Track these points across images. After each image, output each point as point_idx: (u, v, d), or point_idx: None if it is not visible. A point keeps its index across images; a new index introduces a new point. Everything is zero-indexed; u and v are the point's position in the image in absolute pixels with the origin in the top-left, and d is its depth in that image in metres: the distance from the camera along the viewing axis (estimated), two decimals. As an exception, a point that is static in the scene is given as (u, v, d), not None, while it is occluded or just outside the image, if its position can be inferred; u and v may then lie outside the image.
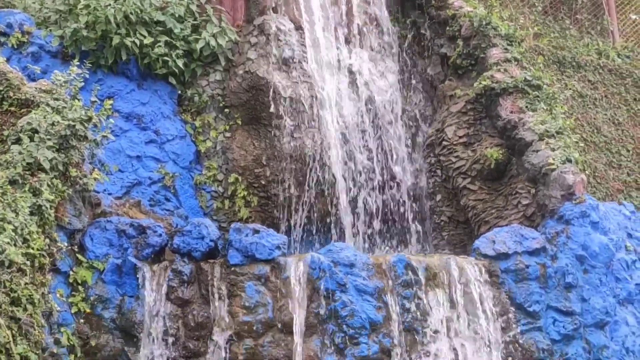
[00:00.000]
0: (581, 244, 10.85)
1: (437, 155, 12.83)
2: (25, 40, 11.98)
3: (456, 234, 12.60)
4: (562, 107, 12.37)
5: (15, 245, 8.66)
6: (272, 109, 12.43)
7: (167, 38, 12.25)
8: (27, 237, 8.90)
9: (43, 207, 9.19)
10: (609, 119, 14.11)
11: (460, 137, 12.61)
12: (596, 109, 14.08)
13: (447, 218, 12.72)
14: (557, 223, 11.00)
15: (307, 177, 12.35)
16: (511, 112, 12.04)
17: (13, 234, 8.68)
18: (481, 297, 10.33)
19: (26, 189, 9.15)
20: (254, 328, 9.74)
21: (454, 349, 10.13)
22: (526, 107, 12.01)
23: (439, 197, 12.81)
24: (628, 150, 13.94)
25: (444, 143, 12.73)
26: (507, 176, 12.05)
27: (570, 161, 11.27)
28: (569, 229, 10.89)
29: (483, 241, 10.80)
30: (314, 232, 12.38)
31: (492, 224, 11.78)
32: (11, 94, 9.99)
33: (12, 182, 9.10)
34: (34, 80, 10.80)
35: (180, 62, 12.33)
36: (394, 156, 12.88)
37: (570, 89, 13.84)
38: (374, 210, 12.54)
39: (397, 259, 10.31)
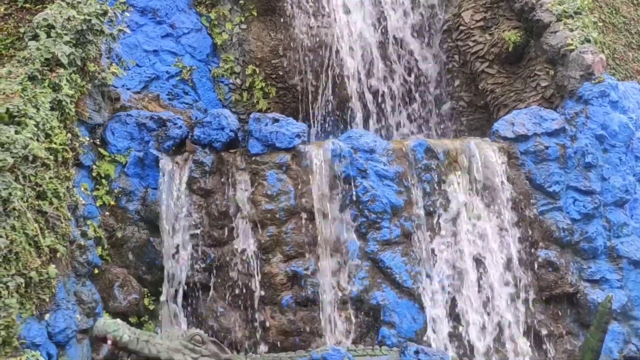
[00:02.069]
0: (600, 124, 10.84)
1: (454, 40, 12.72)
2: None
3: (475, 118, 12.58)
4: (580, -14, 12.19)
5: (38, 140, 8.75)
6: (287, -1, 12.37)
7: None
8: (49, 132, 8.99)
9: (63, 102, 9.24)
10: (628, -1, 13.93)
11: (477, 21, 12.47)
12: (615, -11, 13.87)
13: (466, 103, 12.68)
14: (576, 103, 10.97)
15: (325, 66, 12.30)
16: (528, -7, 11.89)
17: (35, 129, 8.76)
18: (501, 179, 10.38)
19: (46, 84, 9.18)
20: (277, 216, 9.87)
21: (474, 231, 10.23)
22: (543, -13, 11.85)
23: (457, 82, 12.75)
24: (648, 31, 13.79)
25: (461, 28, 12.60)
26: (526, 59, 11.97)
27: (589, 41, 11.18)
28: (588, 109, 10.87)
29: (502, 123, 10.81)
30: (333, 121, 12.40)
31: (511, 107, 11.75)
32: (25, -11, 9.98)
33: (31, 78, 9.13)
34: (47, -25, 10.74)
35: (193, -47, 12.24)
36: (411, 42, 12.77)
37: (588, -32, 13.63)
38: (392, 98, 12.51)
39: (417, 144, 10.36)
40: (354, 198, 9.98)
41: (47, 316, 8.58)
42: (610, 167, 10.81)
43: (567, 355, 10.25)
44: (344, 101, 12.32)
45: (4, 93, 8.82)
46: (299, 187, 9.94)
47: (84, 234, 9.42)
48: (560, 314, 10.45)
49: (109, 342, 7.91)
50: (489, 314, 10.07)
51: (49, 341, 8.56)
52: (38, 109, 8.90)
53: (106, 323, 7.93)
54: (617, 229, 10.70)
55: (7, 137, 8.45)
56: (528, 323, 10.23)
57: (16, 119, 8.72)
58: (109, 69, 10.31)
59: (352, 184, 10.02)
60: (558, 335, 10.37)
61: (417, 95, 12.63)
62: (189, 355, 8.19)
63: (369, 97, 12.29)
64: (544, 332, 10.27)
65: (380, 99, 12.38)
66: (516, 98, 11.88)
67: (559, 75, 11.24)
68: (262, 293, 9.79)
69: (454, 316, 10.00)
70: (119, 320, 8.09)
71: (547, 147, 10.61)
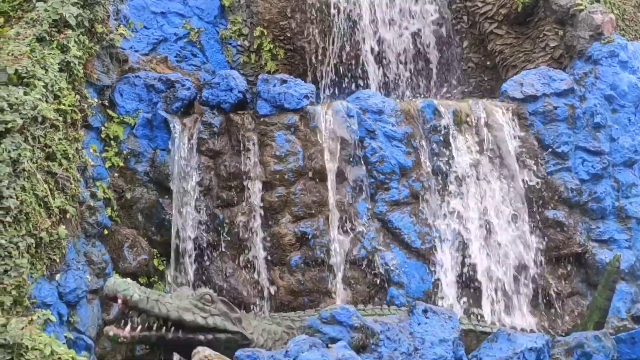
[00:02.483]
0: (610, 84, 10.81)
1: (463, 1, 12.64)
2: None
3: (484, 80, 12.53)
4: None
5: (46, 101, 8.75)
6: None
7: None
8: (58, 93, 8.99)
9: (72, 64, 9.23)
10: (639, -43, 13.80)
11: (486, -18, 12.41)
12: (626, -54, 13.74)
13: (475, 64, 12.63)
14: (585, 64, 10.94)
15: (333, 27, 12.24)
16: (537, -49, 11.81)
17: (44, 90, 8.76)
18: (509, 140, 10.37)
19: (54, 45, 9.17)
20: (285, 177, 9.89)
21: (482, 191, 10.24)
22: (552, -55, 11.76)
23: (465, 43, 12.68)
24: (658, -10, 13.67)
25: (470, -12, 12.54)
26: (534, 19, 11.89)
27: (598, 1, 11.15)
28: (597, 69, 10.84)
29: (511, 84, 10.79)
30: (342, 82, 12.36)
31: (520, 68, 11.69)
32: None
33: (40, 40, 9.12)
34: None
35: None
36: (420, 3, 12.69)
37: None
38: (401, 59, 12.46)
39: (425, 105, 10.36)
40: (363, 159, 10.00)
41: (57, 276, 8.64)
42: (619, 127, 10.79)
43: (575, 315, 10.28)
44: (353, 63, 12.27)
45: (12, 54, 8.81)
46: (308, 148, 9.95)
47: (93, 195, 9.45)
48: (568, 274, 10.47)
49: (119, 301, 7.93)
50: (497, 274, 10.09)
51: (60, 301, 8.62)
52: (46, 71, 8.89)
53: (116, 282, 7.96)
54: (625, 189, 10.70)
55: (16, 98, 8.45)
56: (536, 283, 10.25)
57: (25, 80, 8.72)
58: (117, 30, 10.30)
59: (361, 144, 10.03)
60: (566, 295, 10.39)
61: (425, 56, 12.56)
62: (199, 314, 8.22)
63: (377, 58, 12.23)
64: (552, 292, 10.30)
65: (389, 61, 12.33)
66: (525, 59, 11.84)
67: (568, 36, 11.20)
68: (271, 253, 9.83)
69: (462, 276, 10.03)
70: (129, 280, 8.11)
71: (555, 108, 10.58)
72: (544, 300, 10.28)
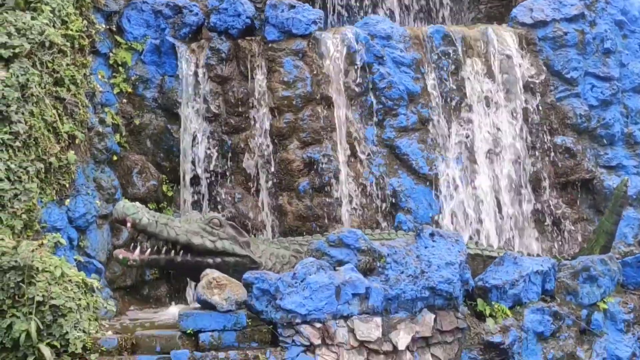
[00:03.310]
0: (620, 9, 10.75)
1: None
2: None
3: (494, 6, 12.39)
4: None
5: (54, 26, 8.75)
6: None
7: None
8: (65, 18, 8.97)
9: (78, -11, 9.22)
10: None
11: None
12: None
13: (485, -10, 12.54)
14: (596, -11, 10.87)
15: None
16: None
17: (51, 15, 8.75)
18: (519, 65, 10.33)
19: (60, -30, 9.14)
20: (294, 102, 9.87)
21: (491, 117, 10.24)
22: None
23: (475, -34, 12.59)
24: None
25: None
26: (546, -58, 11.75)
27: None
28: (608, -6, 10.78)
29: (520, 9, 10.73)
30: (350, 8, 12.26)
31: (530, -6, 11.60)
32: None
33: (46, -36, 9.08)
34: None
35: None
36: None
37: None
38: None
39: (434, 30, 10.31)
40: (371, 85, 9.98)
41: (67, 201, 8.71)
42: (630, 53, 10.75)
43: (582, 240, 10.34)
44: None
45: (19, -21, 8.79)
46: (316, 73, 9.91)
47: (101, 121, 9.47)
48: (576, 200, 10.52)
49: (128, 224, 7.97)
50: (503, 200, 10.14)
51: (70, 226, 8.70)
52: (54, -5, 8.88)
53: (125, 206, 7.99)
54: (634, 115, 10.69)
55: (24, 23, 8.45)
56: (544, 209, 10.30)
57: (32, 5, 8.72)
58: (124, -45, 10.24)
59: (369, 70, 10.00)
60: (573, 221, 10.45)
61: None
62: (207, 238, 8.28)
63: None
64: (560, 218, 10.35)
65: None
66: (535, -16, 11.72)
67: (579, -40, 11.08)
68: (279, 179, 9.87)
69: (470, 202, 10.07)
70: (138, 204, 8.13)
71: (565, 33, 10.53)
72: (552, 226, 10.33)
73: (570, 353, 8.01)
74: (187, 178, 9.89)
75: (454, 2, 12.38)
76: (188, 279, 9.34)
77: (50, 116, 8.45)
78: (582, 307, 8.24)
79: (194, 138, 9.89)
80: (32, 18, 8.55)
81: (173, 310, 8.75)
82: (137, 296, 9.62)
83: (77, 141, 8.86)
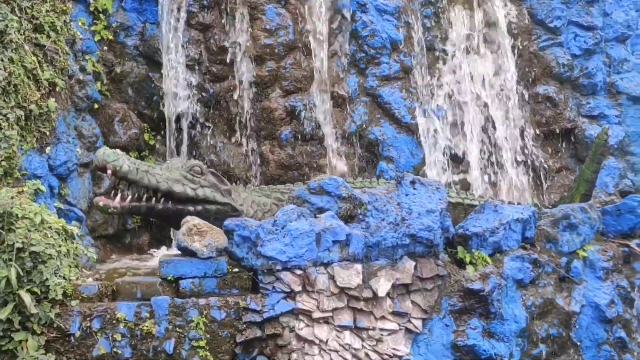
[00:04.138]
0: (604, -43, 10.71)
1: None
2: None
3: (478, -47, 12.36)
4: None
5: (32, -28, 8.67)
6: None
7: None
8: (44, -36, 8.89)
9: None
10: None
11: None
12: None
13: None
14: None
15: None
16: None
17: (29, -40, 8.67)
18: (501, 15, 10.29)
19: None
20: (276, 51, 9.81)
21: (474, 66, 10.21)
22: None
23: None
24: None
25: None
26: None
27: None
28: (595, -44, 10.74)
29: (504, -43, 10.66)
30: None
31: (515, -60, 11.53)
32: None
33: None
34: None
35: None
36: None
37: None
38: None
39: (417, -22, 10.25)
40: (353, 33, 9.92)
41: (47, 149, 8.67)
42: (613, 2, 10.73)
43: (563, 190, 10.37)
44: None
45: None
46: (298, 21, 9.85)
47: (82, 69, 9.41)
48: (557, 149, 10.54)
49: (109, 171, 7.91)
50: (487, 148, 10.14)
51: (50, 173, 8.67)
52: (31, -61, 8.77)
53: (106, 152, 7.93)
54: (617, 64, 10.69)
55: (1, -32, 8.37)
56: (525, 158, 10.32)
57: (10, -50, 8.63)
58: None
59: (351, 18, 9.94)
60: (555, 170, 10.49)
61: None
62: (188, 185, 8.25)
63: None
64: (541, 166, 10.37)
65: None
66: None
67: None
68: (261, 128, 9.84)
69: (452, 150, 10.08)
70: (118, 151, 8.07)
71: (549, -19, 10.51)
72: (533, 175, 10.36)
73: (550, 300, 8.03)
74: (169, 126, 9.84)
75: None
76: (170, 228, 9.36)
77: (30, 63, 8.39)
78: (561, 254, 8.25)
79: (176, 86, 9.83)
80: (11, -37, 8.47)
81: (155, 259, 8.76)
82: (118, 245, 9.62)
83: (57, 89, 8.80)
